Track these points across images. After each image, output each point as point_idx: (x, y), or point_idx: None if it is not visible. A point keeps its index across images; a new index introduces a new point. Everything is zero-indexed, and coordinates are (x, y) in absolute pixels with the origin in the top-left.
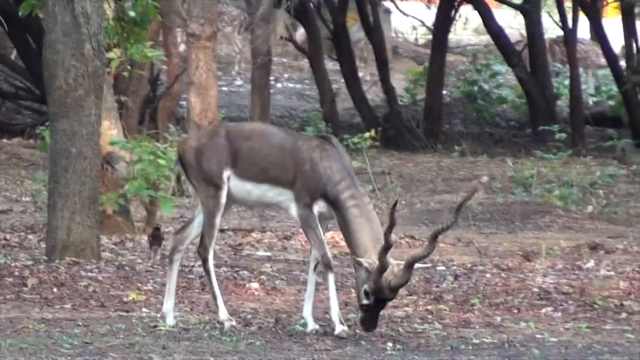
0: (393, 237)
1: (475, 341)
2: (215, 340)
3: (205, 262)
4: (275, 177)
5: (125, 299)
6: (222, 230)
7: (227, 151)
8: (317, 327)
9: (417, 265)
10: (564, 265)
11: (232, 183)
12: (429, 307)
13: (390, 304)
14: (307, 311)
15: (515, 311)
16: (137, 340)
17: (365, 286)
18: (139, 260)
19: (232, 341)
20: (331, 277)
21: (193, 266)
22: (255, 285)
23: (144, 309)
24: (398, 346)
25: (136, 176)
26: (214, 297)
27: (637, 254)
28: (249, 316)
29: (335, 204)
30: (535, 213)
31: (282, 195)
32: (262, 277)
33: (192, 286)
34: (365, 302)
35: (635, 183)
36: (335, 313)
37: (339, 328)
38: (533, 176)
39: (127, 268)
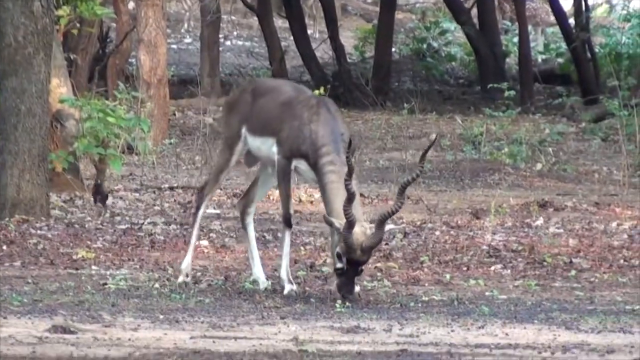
0: (354, 184)
1: (425, 298)
2: (165, 297)
3: (197, 209)
4: (272, 130)
5: (74, 257)
6: (171, 188)
7: (248, 107)
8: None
9: (390, 226)
10: (513, 222)
11: (248, 139)
12: (378, 264)
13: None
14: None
15: (465, 269)
16: (87, 298)
17: (338, 248)
18: (89, 218)
19: (182, 298)
20: (287, 235)
21: (142, 224)
22: (204, 243)
23: (93, 267)
24: (347, 304)
25: (85, 134)
26: (189, 244)
27: (586, 211)
28: (199, 274)
29: (315, 168)
30: (484, 171)
31: None
32: (211, 234)
33: (142, 244)
34: (339, 265)
35: (584, 140)
36: (284, 271)
37: (288, 287)
38: (482, 134)
39: (76, 226)
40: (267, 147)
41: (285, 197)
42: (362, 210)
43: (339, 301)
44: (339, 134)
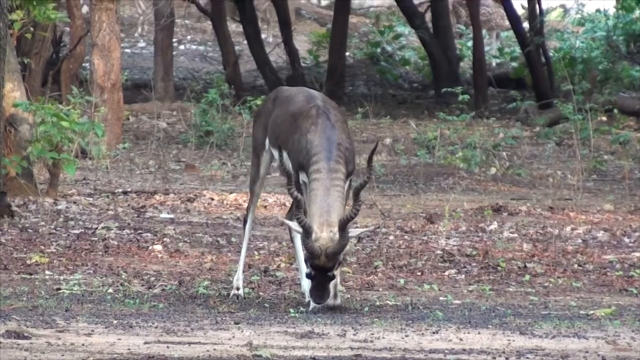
0: (295, 191)
1: (379, 303)
2: (119, 302)
3: (244, 222)
4: (286, 145)
5: (28, 262)
6: (125, 193)
7: (269, 117)
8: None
9: (359, 231)
10: (467, 227)
11: (271, 150)
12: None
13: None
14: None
15: (419, 273)
16: (40, 303)
17: (304, 254)
18: (42, 223)
19: (136, 304)
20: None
21: (96, 228)
22: (158, 247)
23: (47, 272)
24: (301, 309)
25: (39, 138)
26: (239, 258)
27: (540, 215)
28: (152, 279)
29: (306, 175)
30: (438, 175)
31: None
32: (165, 239)
33: (96, 248)
34: (306, 270)
35: (538, 145)
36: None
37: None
38: (436, 138)
39: (30, 230)
40: (285, 158)
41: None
42: (339, 214)
43: (293, 306)
44: (335, 142)
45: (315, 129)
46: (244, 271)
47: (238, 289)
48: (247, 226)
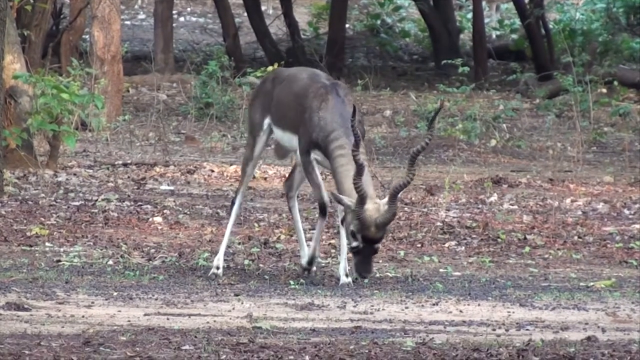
0: (362, 156)
1: (379, 275)
2: (119, 274)
3: (231, 204)
4: (293, 124)
5: (28, 234)
6: (125, 165)
7: (269, 98)
8: (348, 280)
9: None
10: (467, 199)
11: (274, 130)
12: (332, 241)
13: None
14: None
15: (419, 245)
16: (41, 275)
17: (352, 226)
18: (42, 195)
19: (136, 275)
20: (321, 223)
21: (96, 200)
22: (158, 219)
23: (47, 244)
24: (301, 280)
25: (39, 110)
26: (223, 237)
27: (540, 187)
28: (152, 250)
29: (326, 153)
30: (438, 147)
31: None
32: (165, 211)
33: (96, 220)
34: (354, 244)
35: (538, 117)
36: (313, 251)
37: (312, 270)
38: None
39: (30, 202)
40: (288, 139)
41: (316, 187)
42: (373, 185)
43: (293, 278)
44: (348, 118)
45: (326, 106)
46: (227, 246)
47: (218, 268)
48: (235, 207)
